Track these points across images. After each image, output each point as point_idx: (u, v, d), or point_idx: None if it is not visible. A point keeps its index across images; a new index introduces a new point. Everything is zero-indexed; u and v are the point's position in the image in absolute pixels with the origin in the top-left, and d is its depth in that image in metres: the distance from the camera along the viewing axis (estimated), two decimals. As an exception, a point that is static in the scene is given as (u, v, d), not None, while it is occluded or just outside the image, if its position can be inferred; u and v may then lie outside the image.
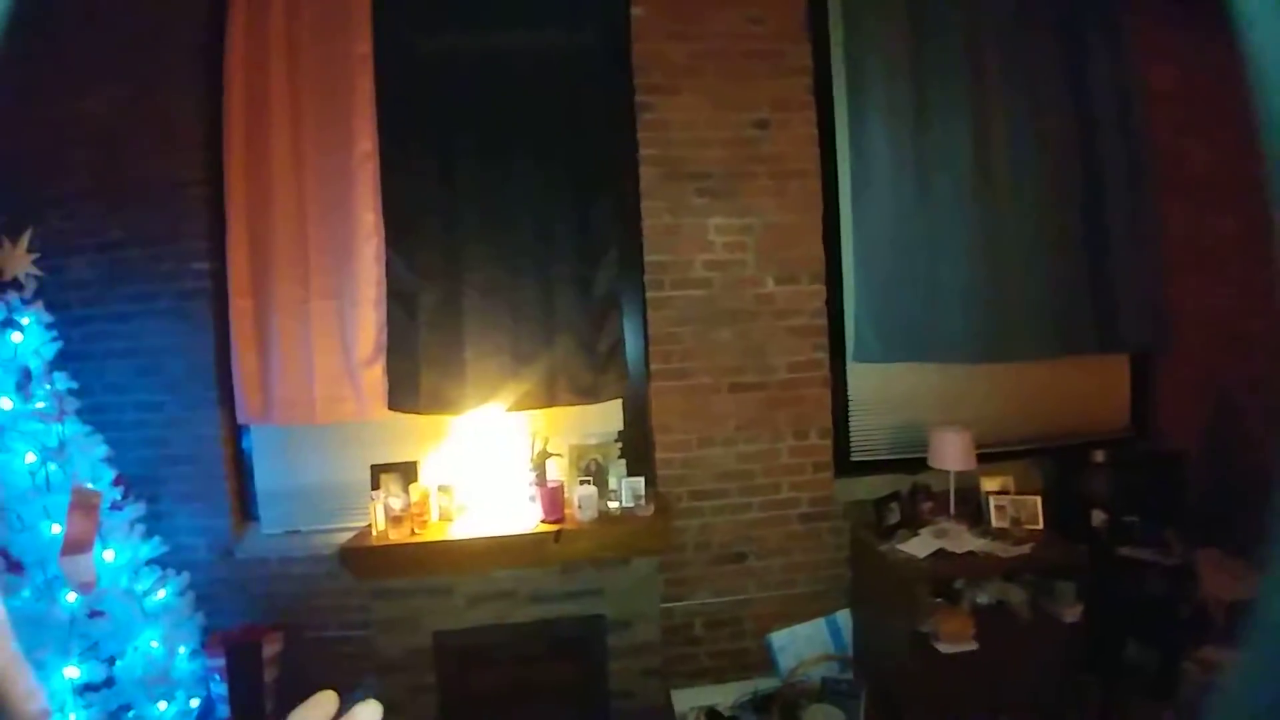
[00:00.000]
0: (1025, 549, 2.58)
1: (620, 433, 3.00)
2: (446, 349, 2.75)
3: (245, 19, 2.68)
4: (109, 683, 2.27)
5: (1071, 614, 2.55)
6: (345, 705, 0.47)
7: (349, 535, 2.65)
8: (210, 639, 2.62)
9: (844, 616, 3.00)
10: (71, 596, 2.18)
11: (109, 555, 2.32)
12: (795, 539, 3.00)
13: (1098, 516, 2.81)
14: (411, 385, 2.74)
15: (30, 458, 2.22)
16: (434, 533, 2.59)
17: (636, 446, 2.98)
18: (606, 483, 2.76)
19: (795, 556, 3.01)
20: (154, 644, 2.37)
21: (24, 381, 2.26)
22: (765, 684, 2.87)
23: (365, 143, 2.71)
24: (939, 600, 2.61)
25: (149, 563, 2.52)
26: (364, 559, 2.53)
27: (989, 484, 2.87)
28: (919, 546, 2.62)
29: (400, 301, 2.75)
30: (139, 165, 2.74)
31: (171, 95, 2.74)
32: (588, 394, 2.82)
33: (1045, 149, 3.00)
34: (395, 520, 2.55)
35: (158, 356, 2.77)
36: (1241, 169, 3.03)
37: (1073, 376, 3.21)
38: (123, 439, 2.61)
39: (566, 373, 2.80)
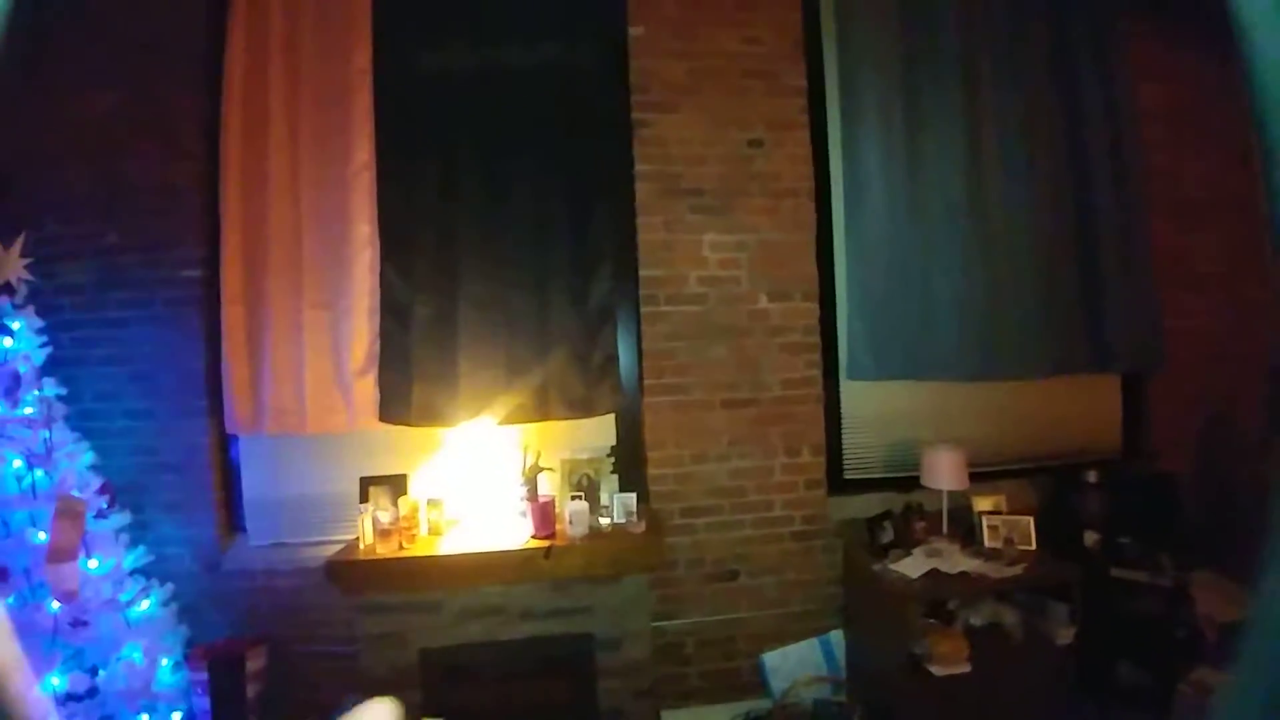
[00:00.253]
0: (1018, 569, 2.57)
1: (613, 448, 2.98)
2: (439, 361, 2.74)
3: (246, 29, 2.71)
4: (91, 693, 2.23)
5: (1064, 635, 2.53)
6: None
7: (336, 548, 2.62)
8: (193, 652, 2.58)
9: (837, 636, 2.97)
10: (55, 605, 2.15)
11: (93, 564, 2.29)
12: (788, 557, 2.98)
13: (1090, 537, 2.80)
14: (403, 397, 2.73)
15: (16, 464, 2.19)
16: (423, 547, 2.56)
17: (629, 462, 2.97)
18: (598, 498, 2.74)
19: (788, 575, 2.99)
20: (137, 655, 2.34)
21: (12, 387, 2.25)
22: (757, 706, 2.84)
23: (362, 154, 2.73)
24: (932, 621, 2.59)
25: (133, 573, 2.49)
26: (351, 573, 2.50)
27: (982, 503, 2.86)
28: (912, 566, 2.61)
29: (394, 313, 2.74)
30: (136, 171, 2.74)
31: (170, 102, 2.76)
32: (581, 408, 2.81)
33: (1037, 168, 3.03)
34: (383, 534, 2.52)
35: (148, 364, 2.75)
36: (1232, 188, 3.08)
37: (1065, 396, 3.21)
38: (110, 446, 2.59)
39: (559, 386, 2.79)
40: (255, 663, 2.60)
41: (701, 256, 2.95)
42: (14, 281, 2.37)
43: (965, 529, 2.83)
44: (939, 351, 2.96)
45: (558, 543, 2.54)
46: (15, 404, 2.25)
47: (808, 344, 3.01)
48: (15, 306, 2.34)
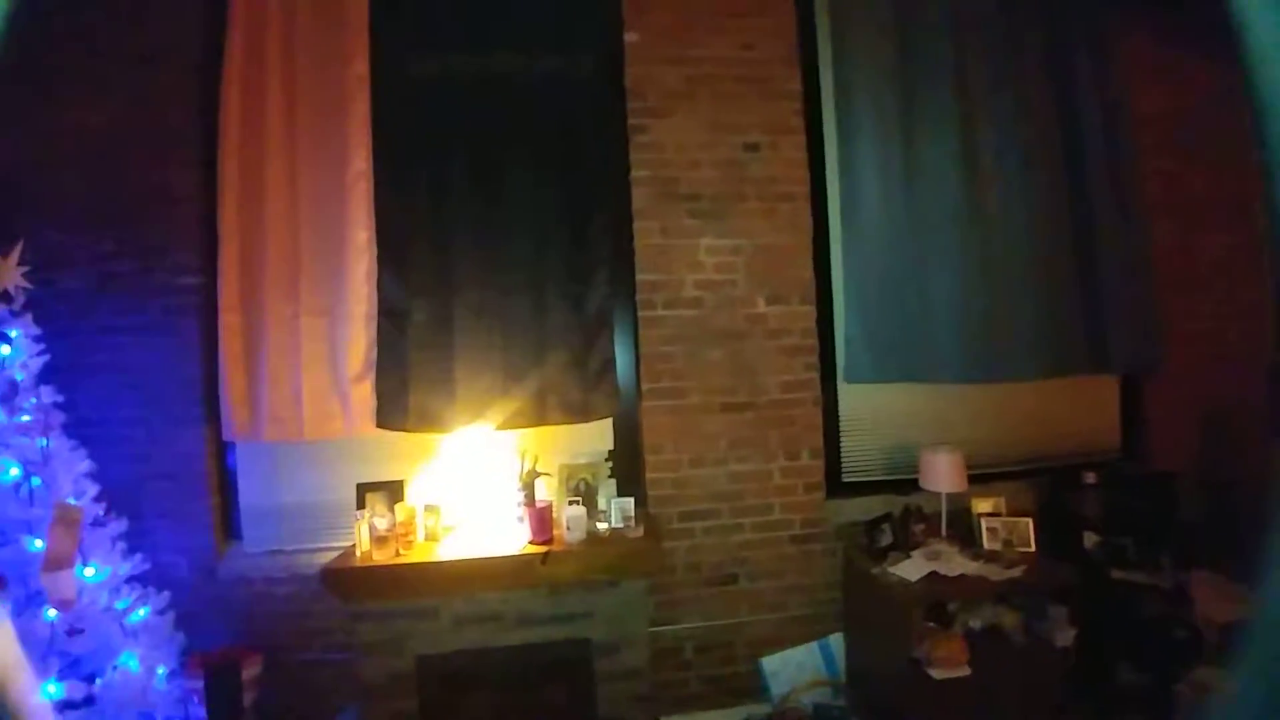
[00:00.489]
0: (1017, 571, 2.57)
1: (610, 452, 2.98)
2: (436, 367, 2.74)
3: (243, 38, 2.72)
4: (88, 701, 2.21)
5: (1064, 637, 2.52)
6: None
7: (333, 555, 2.61)
8: (190, 659, 2.57)
9: (836, 640, 2.97)
10: (52, 613, 2.14)
11: (90, 572, 2.28)
12: (787, 561, 2.98)
13: (1090, 538, 2.80)
14: (400, 403, 2.73)
15: (14, 472, 2.19)
16: (419, 553, 2.56)
17: (626, 466, 2.97)
18: (596, 503, 2.73)
19: (787, 579, 2.98)
20: (133, 663, 2.32)
21: (9, 394, 2.24)
22: (757, 711, 2.83)
23: (359, 161, 2.73)
24: (931, 625, 2.59)
25: (130, 580, 2.48)
26: (347, 580, 2.49)
27: (981, 505, 2.86)
28: (911, 569, 2.60)
29: (391, 319, 2.74)
30: (134, 179, 2.74)
31: (168, 111, 2.76)
32: (578, 413, 2.81)
33: (1034, 170, 3.05)
34: (380, 540, 2.51)
35: (145, 371, 2.74)
36: (1230, 190, 3.09)
37: (1063, 397, 3.21)
38: (107, 454, 2.57)
39: (557, 391, 2.79)
40: (252, 670, 2.59)
41: (698, 261, 2.95)
42: (11, 289, 2.37)
43: (964, 531, 2.83)
44: (937, 353, 2.97)
45: (555, 548, 2.53)
46: (12, 411, 2.23)
47: (805, 347, 3.01)
48: (13, 314, 2.33)
